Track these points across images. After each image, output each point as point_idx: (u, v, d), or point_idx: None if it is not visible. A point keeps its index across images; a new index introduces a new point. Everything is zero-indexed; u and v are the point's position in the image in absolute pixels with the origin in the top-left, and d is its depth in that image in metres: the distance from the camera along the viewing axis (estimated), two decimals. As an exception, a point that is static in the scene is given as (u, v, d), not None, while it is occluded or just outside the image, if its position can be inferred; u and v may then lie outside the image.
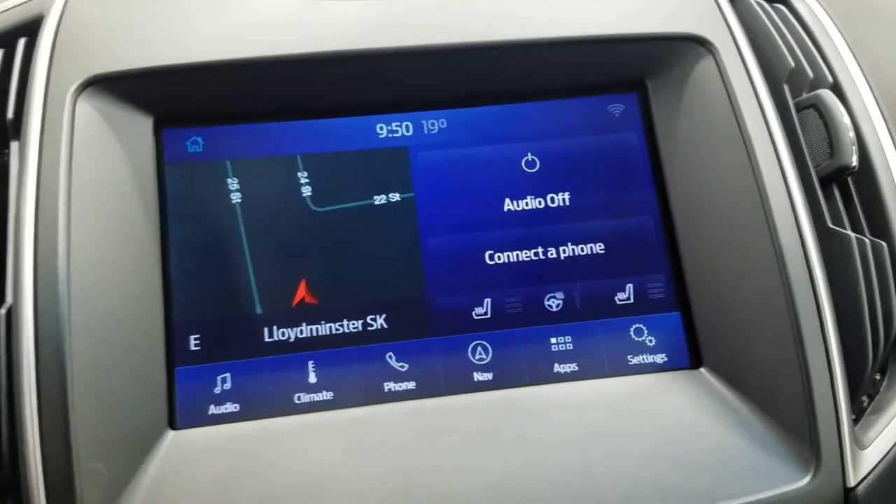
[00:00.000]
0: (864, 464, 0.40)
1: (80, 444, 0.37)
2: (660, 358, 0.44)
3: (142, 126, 0.44)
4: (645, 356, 0.44)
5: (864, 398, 0.43)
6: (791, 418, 0.40)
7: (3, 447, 0.38)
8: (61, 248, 0.39)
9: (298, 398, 0.42)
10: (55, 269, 0.39)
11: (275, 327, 0.43)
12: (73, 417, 0.37)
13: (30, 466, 0.36)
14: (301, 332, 0.43)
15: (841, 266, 0.43)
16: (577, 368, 0.44)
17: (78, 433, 0.37)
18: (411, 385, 0.43)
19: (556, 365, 0.44)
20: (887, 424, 0.41)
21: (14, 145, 0.43)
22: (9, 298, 0.40)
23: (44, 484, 0.36)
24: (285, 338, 0.43)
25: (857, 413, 0.42)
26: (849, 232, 0.44)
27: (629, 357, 0.44)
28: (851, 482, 0.39)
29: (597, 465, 0.39)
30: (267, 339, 0.43)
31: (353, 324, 0.44)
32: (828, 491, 0.38)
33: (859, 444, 0.40)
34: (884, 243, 0.44)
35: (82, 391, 0.38)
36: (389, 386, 0.43)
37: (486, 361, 0.44)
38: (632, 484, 0.38)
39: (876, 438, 0.41)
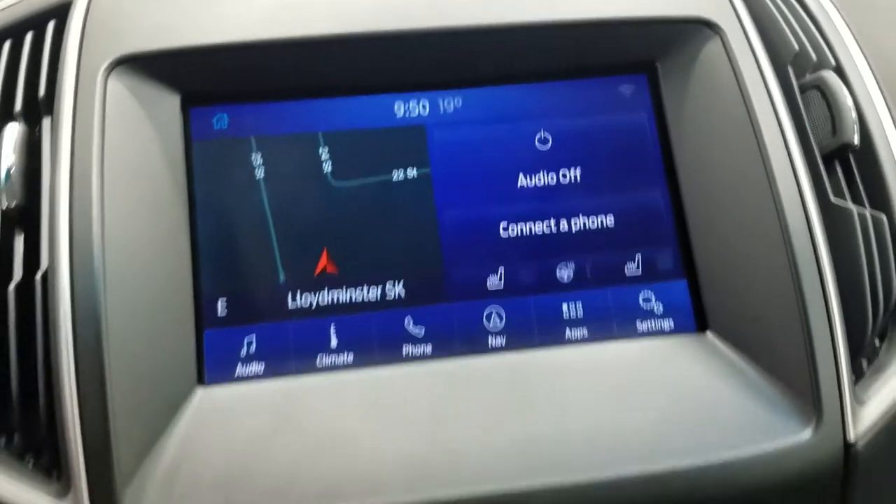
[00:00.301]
0: (864, 420, 0.41)
1: (116, 402, 0.38)
2: (667, 324, 0.46)
3: (170, 104, 0.46)
4: (652, 322, 0.46)
5: (865, 362, 0.45)
6: (794, 377, 0.42)
7: (41, 407, 0.40)
8: (95, 217, 0.41)
9: (320, 360, 0.44)
10: (90, 236, 0.40)
11: (298, 294, 0.45)
12: (108, 377, 0.39)
13: (67, 425, 0.38)
14: (322, 298, 0.45)
15: (843, 237, 0.45)
16: (587, 334, 0.45)
17: (114, 391, 0.39)
18: (428, 348, 0.45)
19: (567, 330, 0.45)
20: (886, 383, 0.43)
21: (46, 122, 0.45)
22: (44, 263, 0.41)
23: (81, 442, 0.38)
24: (307, 304, 0.45)
25: (858, 375, 0.44)
26: (850, 205, 0.46)
27: (637, 322, 0.46)
28: (852, 437, 0.41)
29: (608, 421, 0.40)
30: (290, 305, 0.45)
31: (372, 291, 0.45)
32: (829, 445, 0.40)
33: (859, 401, 0.42)
34: (884, 216, 0.46)
35: (117, 352, 0.39)
36: (407, 349, 0.45)
37: (499, 327, 0.45)
38: (640, 437, 0.40)
39: (875, 396, 0.42)
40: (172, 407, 0.40)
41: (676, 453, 0.39)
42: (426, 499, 0.38)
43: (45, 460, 0.40)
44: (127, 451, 0.38)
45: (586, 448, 0.39)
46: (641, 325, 0.46)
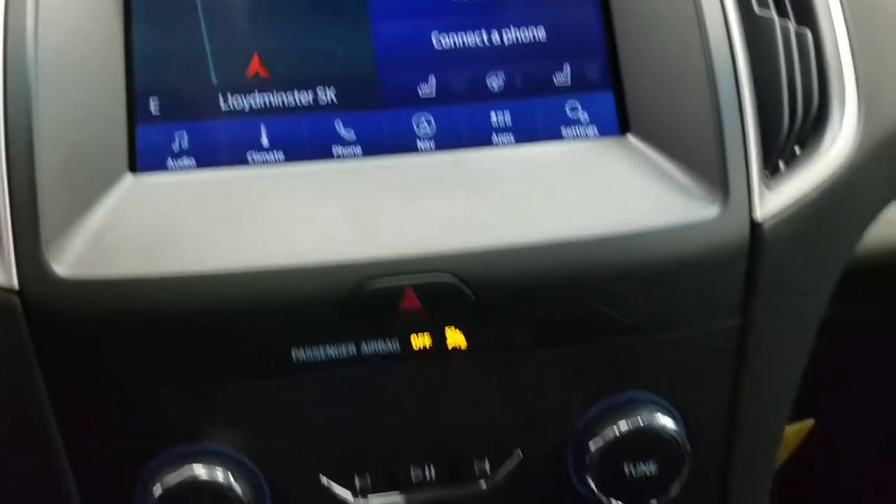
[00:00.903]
0: (772, 203, 0.43)
1: (44, 175, 0.39)
2: (591, 130, 0.47)
3: None
4: (578, 128, 0.47)
5: (782, 164, 0.46)
6: (706, 167, 0.43)
7: None
8: (29, 11, 0.41)
9: (251, 157, 0.45)
10: (23, 28, 0.41)
11: (229, 95, 0.46)
12: (37, 152, 0.39)
13: None
14: (254, 100, 0.46)
15: (765, 46, 0.46)
16: (514, 140, 0.47)
17: (42, 166, 0.39)
18: (358, 150, 0.46)
19: (495, 136, 0.47)
20: (798, 176, 0.45)
21: None
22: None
23: (9, 203, 0.39)
24: (239, 105, 0.46)
25: (774, 172, 0.45)
26: (773, 15, 0.47)
27: (563, 129, 0.47)
28: (758, 217, 0.42)
29: (529, 200, 0.42)
30: (222, 106, 0.46)
31: (304, 95, 0.46)
32: (736, 222, 0.42)
33: (769, 188, 0.43)
34: (808, 30, 0.47)
35: (47, 133, 0.40)
36: (338, 150, 0.46)
37: (429, 133, 0.47)
38: (564, 214, 0.42)
39: (787, 185, 0.44)
40: (102, 186, 0.42)
41: (589, 223, 0.41)
42: (344, 259, 0.39)
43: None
44: (54, 216, 0.39)
45: (507, 219, 0.41)
46: (567, 132, 0.47)
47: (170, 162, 0.45)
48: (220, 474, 0.40)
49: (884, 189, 0.53)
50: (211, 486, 0.40)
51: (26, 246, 0.38)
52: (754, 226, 0.42)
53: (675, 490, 0.44)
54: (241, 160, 0.45)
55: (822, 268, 0.48)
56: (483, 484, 0.44)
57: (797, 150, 0.48)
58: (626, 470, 0.43)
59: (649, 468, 0.43)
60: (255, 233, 0.40)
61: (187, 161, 0.45)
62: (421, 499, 0.44)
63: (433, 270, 0.40)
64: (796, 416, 0.87)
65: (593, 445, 0.43)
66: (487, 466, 0.44)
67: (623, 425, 0.42)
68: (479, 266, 0.40)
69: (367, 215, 0.41)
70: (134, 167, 0.44)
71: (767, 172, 0.45)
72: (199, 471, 0.40)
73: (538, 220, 0.41)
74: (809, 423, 0.87)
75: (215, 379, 0.40)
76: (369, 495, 0.44)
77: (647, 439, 0.43)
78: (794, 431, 0.88)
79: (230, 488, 0.40)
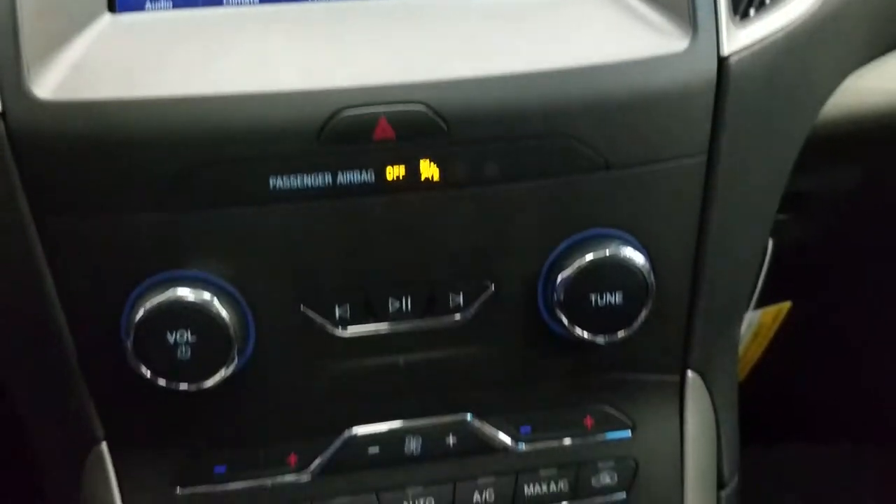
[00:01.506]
0: (738, 39, 0.44)
1: (23, 5, 0.40)
2: None
3: None
4: None
5: (752, 12, 0.47)
6: (678, 7, 0.44)
7: None
8: None
9: (227, 0, 0.46)
10: None
11: None
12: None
13: None
14: None
15: None
16: None
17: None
18: None
19: None
20: (766, 17, 0.46)
21: None
22: None
23: None
24: None
25: (744, 17, 0.46)
26: None
27: None
28: (725, 51, 0.43)
29: (506, 39, 0.43)
30: None
31: None
32: (703, 56, 0.43)
33: (736, 26, 0.44)
34: None
35: None
36: None
37: None
38: (536, 47, 0.43)
39: (754, 25, 0.45)
40: (82, 23, 0.42)
41: (561, 56, 0.42)
42: (319, 87, 0.40)
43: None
44: (35, 46, 0.40)
45: (479, 52, 0.42)
46: None
47: (147, 4, 0.45)
48: (204, 296, 0.42)
49: (853, 48, 0.54)
50: (195, 307, 0.41)
51: (8, 72, 0.39)
52: (721, 60, 0.44)
53: (640, 321, 0.46)
54: (216, 3, 0.46)
55: (787, 117, 0.50)
56: (457, 316, 0.46)
57: (768, 1, 0.48)
58: (593, 300, 0.45)
59: (615, 298, 0.45)
60: (232, 62, 0.41)
61: (164, 4, 0.45)
62: (398, 329, 0.46)
63: (406, 101, 0.41)
64: (773, 298, 0.89)
65: (561, 276, 0.45)
66: (462, 300, 0.46)
67: (589, 257, 0.44)
68: (452, 96, 0.41)
69: (342, 48, 0.42)
70: (113, 8, 0.44)
71: (737, 17, 0.46)
72: (184, 292, 0.41)
73: (510, 52, 0.42)
74: (787, 305, 0.90)
75: (195, 204, 0.41)
76: (349, 325, 0.46)
77: (613, 270, 0.45)
78: (772, 314, 0.90)
79: (214, 310, 0.42)
